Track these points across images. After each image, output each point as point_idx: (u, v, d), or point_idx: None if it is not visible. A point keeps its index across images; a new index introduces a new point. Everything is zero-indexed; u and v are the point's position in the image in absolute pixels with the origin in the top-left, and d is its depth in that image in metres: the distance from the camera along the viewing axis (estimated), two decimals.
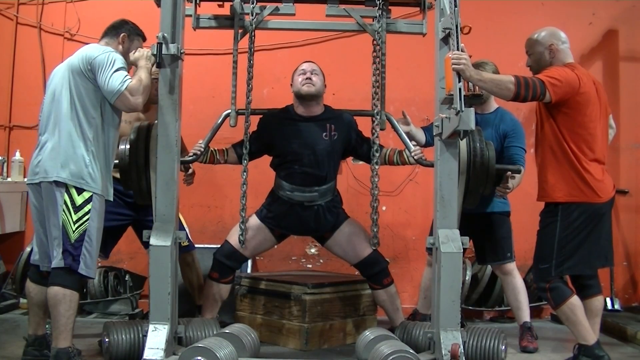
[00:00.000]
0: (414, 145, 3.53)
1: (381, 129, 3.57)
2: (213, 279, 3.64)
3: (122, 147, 3.23)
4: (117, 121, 3.10)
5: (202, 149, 3.48)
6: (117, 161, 3.20)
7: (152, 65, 3.06)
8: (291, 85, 3.69)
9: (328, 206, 3.65)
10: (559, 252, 3.10)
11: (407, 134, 3.64)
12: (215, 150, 3.60)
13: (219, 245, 3.71)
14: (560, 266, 3.11)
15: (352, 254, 3.66)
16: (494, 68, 3.71)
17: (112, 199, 3.13)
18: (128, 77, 2.95)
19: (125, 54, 3.12)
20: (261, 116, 3.74)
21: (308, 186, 3.59)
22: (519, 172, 3.65)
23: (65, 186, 2.92)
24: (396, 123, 3.59)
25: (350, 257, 3.69)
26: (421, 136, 3.79)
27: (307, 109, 3.65)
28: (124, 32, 3.17)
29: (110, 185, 3.10)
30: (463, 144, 3.18)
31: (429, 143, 3.56)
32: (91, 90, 2.97)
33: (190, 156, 3.49)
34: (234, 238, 3.63)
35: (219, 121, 3.58)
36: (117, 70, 2.93)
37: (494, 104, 3.93)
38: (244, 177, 3.54)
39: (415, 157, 3.48)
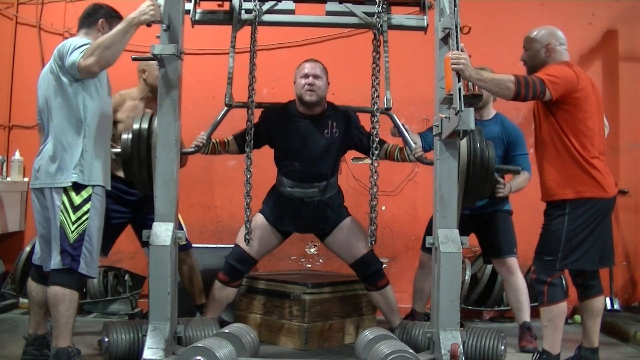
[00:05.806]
0: (414, 143, 3.53)
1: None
2: (223, 282, 3.63)
3: (124, 136, 3.21)
4: (105, 107, 3.05)
5: (204, 141, 3.46)
6: (119, 150, 3.20)
7: (137, 21, 2.86)
8: (294, 82, 3.67)
9: (329, 202, 3.65)
10: (566, 245, 3.09)
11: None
12: (216, 141, 3.59)
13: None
14: (565, 259, 3.10)
15: (348, 253, 3.66)
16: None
17: (110, 188, 3.11)
18: (84, 48, 2.86)
19: None
20: (263, 110, 3.73)
21: (308, 182, 3.59)
22: (518, 172, 3.71)
23: (64, 189, 2.92)
24: (398, 121, 3.59)
25: (347, 257, 3.68)
26: (417, 140, 3.78)
27: (308, 109, 3.65)
28: (101, 18, 3.09)
29: (108, 175, 3.08)
30: (463, 143, 3.18)
31: (424, 149, 3.58)
32: (69, 85, 2.93)
33: (192, 148, 3.47)
34: (243, 241, 3.61)
35: (222, 114, 3.50)
36: (74, 49, 2.87)
37: (492, 110, 3.94)
38: (248, 164, 3.45)
39: (415, 156, 3.49)
